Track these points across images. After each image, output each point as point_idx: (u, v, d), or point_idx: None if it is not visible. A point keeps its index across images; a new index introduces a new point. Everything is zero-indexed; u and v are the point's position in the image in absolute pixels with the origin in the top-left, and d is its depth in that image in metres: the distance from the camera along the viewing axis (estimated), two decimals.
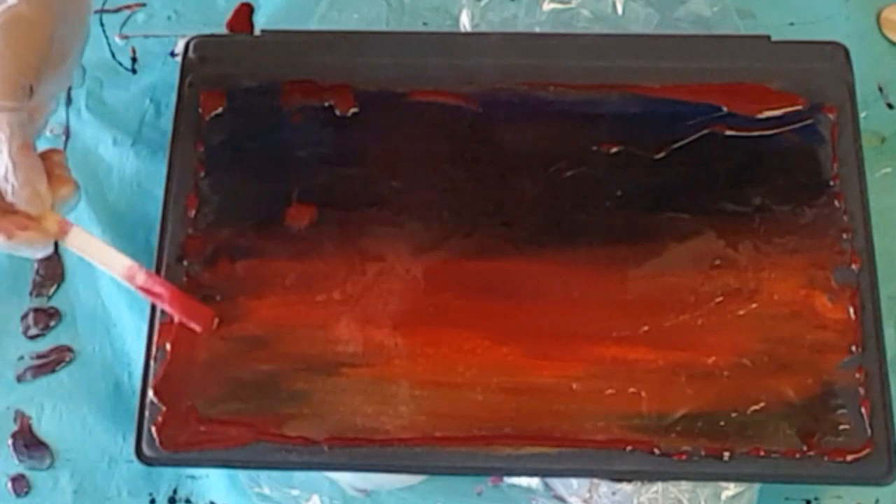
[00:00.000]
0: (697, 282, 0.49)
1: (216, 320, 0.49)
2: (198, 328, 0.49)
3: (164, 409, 0.48)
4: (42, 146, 0.58)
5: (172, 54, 0.60)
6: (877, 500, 0.51)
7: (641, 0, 0.58)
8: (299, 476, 0.51)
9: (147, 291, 0.47)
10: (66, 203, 0.45)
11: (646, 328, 0.49)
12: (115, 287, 0.55)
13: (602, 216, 0.51)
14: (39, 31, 0.43)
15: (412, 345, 0.49)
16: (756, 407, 0.47)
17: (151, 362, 0.49)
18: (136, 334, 0.53)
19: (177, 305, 0.48)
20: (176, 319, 0.49)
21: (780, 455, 0.47)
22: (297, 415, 0.48)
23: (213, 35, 0.56)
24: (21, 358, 0.54)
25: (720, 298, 0.49)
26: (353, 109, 0.53)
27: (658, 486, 0.48)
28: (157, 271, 0.50)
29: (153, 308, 0.50)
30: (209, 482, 0.52)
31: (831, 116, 0.52)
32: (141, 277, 0.46)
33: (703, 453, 0.47)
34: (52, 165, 0.44)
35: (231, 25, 0.60)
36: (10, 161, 0.41)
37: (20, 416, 0.53)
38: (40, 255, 0.44)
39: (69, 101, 0.59)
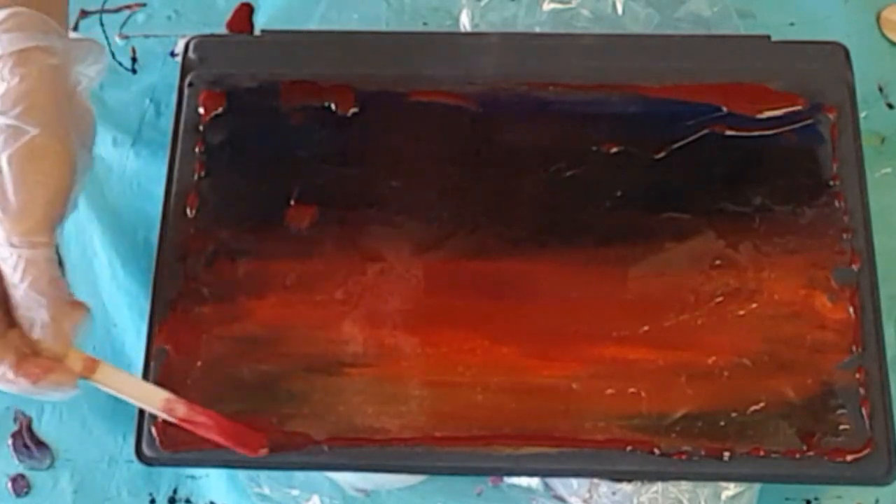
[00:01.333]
0: (697, 282, 0.49)
1: (266, 448, 0.47)
2: (247, 453, 0.46)
3: None
4: None
5: (172, 54, 0.60)
6: (877, 500, 0.51)
7: (641, 0, 0.58)
8: (299, 476, 0.51)
9: (189, 423, 0.44)
10: (80, 327, 0.43)
11: (646, 328, 0.49)
12: (115, 287, 0.55)
13: (602, 216, 0.51)
14: (64, 162, 0.41)
15: (412, 345, 0.49)
16: (756, 407, 0.47)
17: (151, 362, 0.49)
18: (136, 334, 0.53)
19: (223, 434, 0.45)
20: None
21: (780, 455, 0.47)
22: (297, 415, 0.48)
23: (213, 35, 0.56)
24: None
25: (720, 298, 0.49)
26: (353, 109, 0.53)
27: (658, 486, 0.48)
28: (157, 271, 0.50)
29: (153, 308, 0.50)
30: (209, 482, 0.52)
31: (831, 116, 0.52)
32: (181, 410, 0.44)
33: (703, 453, 0.47)
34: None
35: (231, 25, 0.60)
36: (42, 297, 0.40)
37: (20, 416, 0.53)
38: (68, 396, 0.42)
39: None
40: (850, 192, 0.51)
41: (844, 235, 0.50)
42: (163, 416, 0.45)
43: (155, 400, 0.44)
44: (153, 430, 0.48)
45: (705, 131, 0.52)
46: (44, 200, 0.40)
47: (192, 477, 0.52)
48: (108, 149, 0.57)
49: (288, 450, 0.47)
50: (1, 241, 0.40)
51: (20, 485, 0.52)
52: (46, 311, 0.40)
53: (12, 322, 0.41)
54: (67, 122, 0.42)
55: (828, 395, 0.47)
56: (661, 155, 0.52)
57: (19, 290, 0.40)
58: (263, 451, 0.47)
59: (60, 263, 0.55)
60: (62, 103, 0.42)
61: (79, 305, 0.43)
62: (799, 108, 0.52)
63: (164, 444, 0.47)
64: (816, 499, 0.51)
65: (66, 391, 0.42)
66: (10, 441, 0.53)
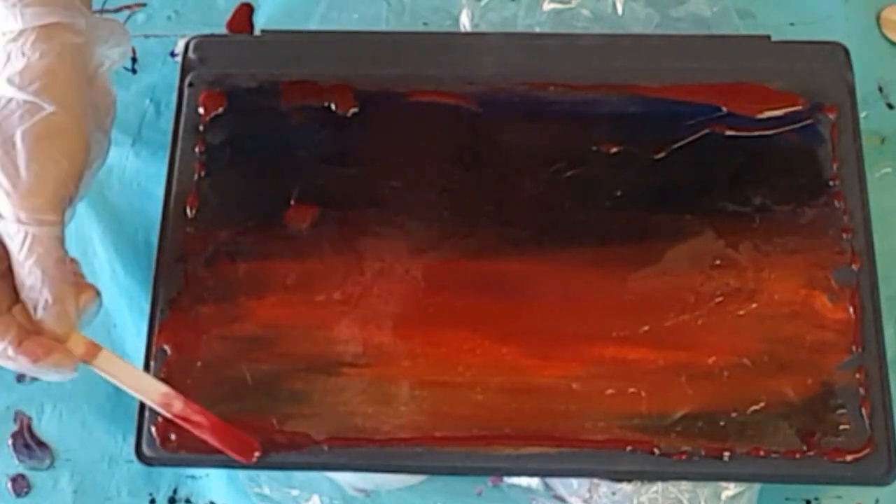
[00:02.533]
0: (697, 282, 0.49)
1: (258, 453, 0.47)
2: (238, 458, 0.46)
3: None
4: None
5: (172, 54, 0.60)
6: (877, 501, 0.51)
7: (641, 0, 0.58)
8: (299, 476, 0.51)
9: (185, 420, 0.44)
10: (89, 311, 0.43)
11: (646, 328, 0.49)
12: (116, 287, 0.55)
13: (602, 216, 0.51)
14: (78, 140, 0.41)
15: (412, 345, 0.49)
16: (756, 407, 0.47)
17: (151, 362, 0.49)
18: (136, 334, 0.53)
19: (217, 436, 0.45)
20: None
21: (780, 455, 0.47)
22: (297, 415, 0.48)
23: (213, 35, 0.56)
24: None
25: (720, 298, 0.49)
26: (353, 109, 0.53)
27: (658, 486, 0.48)
28: (157, 271, 0.50)
29: (153, 308, 0.50)
30: (209, 482, 0.52)
31: (831, 116, 0.52)
32: (178, 406, 0.44)
33: (703, 453, 0.47)
34: (74, 273, 0.43)
35: (231, 25, 0.60)
36: (46, 276, 0.40)
37: (20, 416, 0.53)
38: (66, 377, 0.42)
39: None
40: (850, 192, 0.51)
41: (844, 235, 0.50)
42: (159, 410, 0.44)
43: (153, 393, 0.44)
44: (153, 430, 0.48)
45: (705, 131, 0.52)
46: (55, 178, 0.40)
47: (192, 477, 0.52)
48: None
49: (288, 450, 0.47)
50: (9, 217, 0.40)
51: (20, 485, 0.52)
52: (50, 291, 0.40)
53: (17, 300, 0.41)
54: (85, 102, 0.42)
55: (828, 395, 0.47)
56: (661, 155, 0.52)
57: (24, 268, 0.40)
58: (255, 456, 0.47)
59: None
60: (81, 83, 0.42)
61: (87, 288, 0.43)
62: (799, 108, 0.52)
63: (164, 444, 0.47)
64: (816, 499, 0.51)
65: (64, 373, 0.42)
66: (10, 441, 0.53)
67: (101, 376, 0.53)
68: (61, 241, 0.41)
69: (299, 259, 0.50)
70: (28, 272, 0.40)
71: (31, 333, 0.41)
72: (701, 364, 0.48)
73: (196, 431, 0.45)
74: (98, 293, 0.44)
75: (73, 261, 0.43)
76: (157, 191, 0.52)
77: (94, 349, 0.43)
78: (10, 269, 0.41)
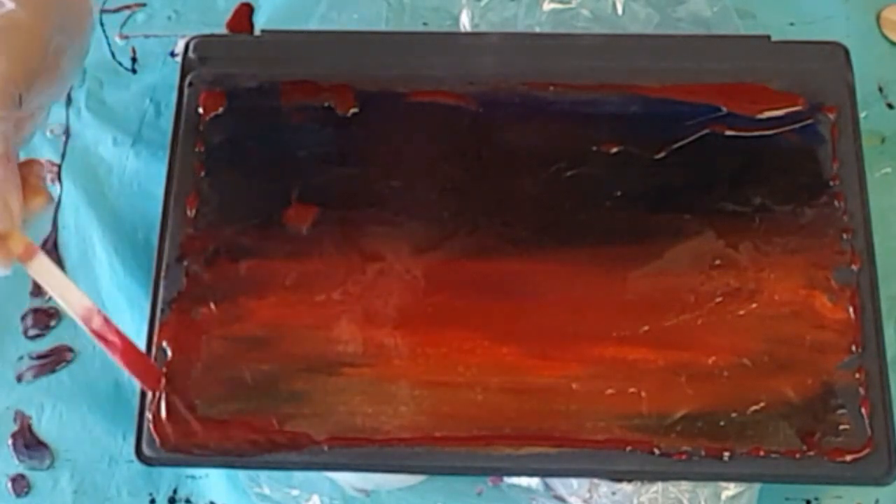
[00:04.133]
0: (697, 282, 0.49)
1: (163, 381, 0.48)
2: (142, 384, 0.47)
3: (164, 408, 0.48)
4: (42, 147, 0.58)
5: (172, 54, 0.60)
6: (877, 501, 0.51)
7: (641, 0, 0.58)
8: (299, 476, 0.51)
9: (100, 337, 0.45)
10: (36, 214, 0.43)
11: (646, 328, 0.49)
12: (115, 287, 0.55)
13: (602, 216, 0.51)
14: (34, 40, 0.41)
15: (412, 345, 0.49)
16: (756, 407, 0.47)
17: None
18: (136, 334, 0.53)
19: (126, 358, 0.46)
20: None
21: (780, 455, 0.47)
22: (297, 415, 0.48)
23: (213, 35, 0.56)
24: (21, 358, 0.54)
25: (720, 298, 0.49)
26: (353, 109, 0.53)
27: (658, 486, 0.48)
28: (157, 271, 0.50)
29: (153, 308, 0.50)
30: (209, 482, 0.52)
31: (831, 116, 0.52)
32: (97, 322, 0.45)
33: (703, 453, 0.47)
34: (28, 174, 0.43)
35: (231, 25, 0.60)
36: None
37: (20, 416, 0.53)
38: (1, 273, 0.42)
39: (69, 101, 0.59)
40: (850, 192, 0.51)
41: (844, 235, 0.50)
42: (79, 322, 0.44)
43: (77, 305, 0.44)
44: (153, 430, 0.48)
45: (705, 131, 0.52)
46: (4, 72, 0.40)
47: (192, 477, 0.52)
48: (108, 149, 0.57)
49: (288, 450, 0.47)
50: None
51: (20, 485, 0.52)
52: None
53: None
54: (49, 3, 0.42)
55: (828, 395, 0.47)
56: (661, 155, 0.52)
57: None
58: (161, 384, 0.47)
59: (61, 264, 0.56)
60: None
61: (40, 192, 0.43)
62: (799, 108, 0.52)
63: (164, 445, 0.47)
64: (816, 499, 0.51)
65: None
66: (10, 441, 0.53)
67: (99, 375, 0.54)
68: (6, 137, 0.40)
69: (299, 259, 0.50)
70: None
71: None
72: (701, 364, 0.48)
73: (108, 350, 0.45)
74: (51, 199, 0.44)
75: (37, 163, 0.43)
76: (157, 191, 0.52)
77: (31, 251, 0.43)
78: None
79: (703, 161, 0.52)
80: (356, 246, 0.51)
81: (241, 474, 0.51)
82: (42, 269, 0.43)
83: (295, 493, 0.51)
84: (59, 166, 0.57)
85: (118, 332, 0.45)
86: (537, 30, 0.57)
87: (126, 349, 0.45)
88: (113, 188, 0.57)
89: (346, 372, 0.48)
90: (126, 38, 0.60)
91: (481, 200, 0.51)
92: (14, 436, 0.53)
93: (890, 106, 0.58)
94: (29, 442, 0.53)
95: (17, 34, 0.41)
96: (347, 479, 0.51)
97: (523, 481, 0.51)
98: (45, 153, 0.58)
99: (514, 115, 0.53)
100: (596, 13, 0.57)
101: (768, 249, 0.50)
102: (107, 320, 0.45)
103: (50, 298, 0.55)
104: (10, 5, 0.41)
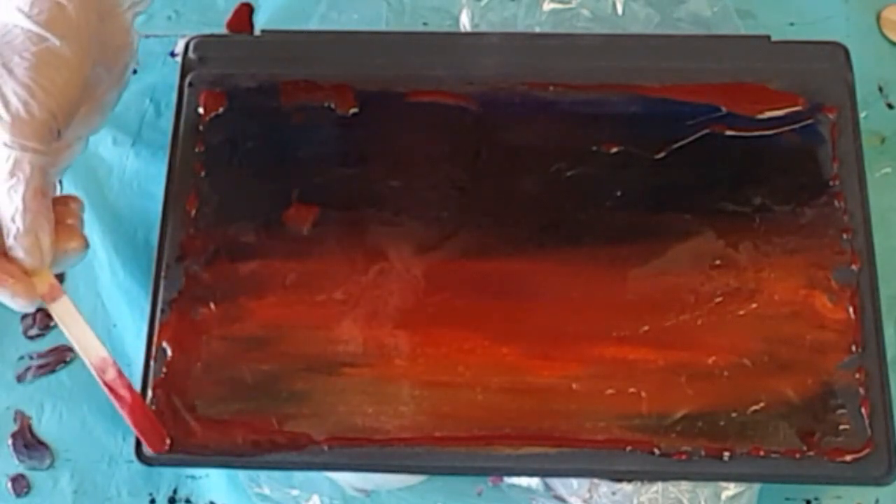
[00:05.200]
0: (697, 282, 0.49)
1: (168, 442, 0.47)
2: (146, 444, 0.47)
3: (164, 408, 0.48)
4: None
5: (172, 54, 0.60)
6: (877, 500, 0.51)
7: (641, 0, 0.58)
8: (299, 476, 0.51)
9: (111, 390, 0.44)
10: (70, 259, 0.43)
11: (646, 328, 0.49)
12: (116, 287, 0.55)
13: (602, 216, 0.51)
14: (75, 74, 0.41)
15: (412, 345, 0.49)
16: (756, 407, 0.47)
17: (151, 362, 0.49)
18: (136, 334, 0.53)
19: (134, 416, 0.45)
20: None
21: (780, 455, 0.47)
22: (297, 415, 0.48)
23: (213, 35, 0.56)
24: (21, 358, 0.54)
25: (720, 298, 0.49)
26: (353, 109, 0.53)
27: (658, 486, 0.48)
28: (157, 271, 0.50)
29: (153, 308, 0.50)
30: (209, 482, 0.52)
31: (831, 116, 0.52)
32: (111, 374, 0.44)
33: (703, 453, 0.47)
34: (66, 213, 0.43)
35: (231, 25, 0.60)
36: (22, 204, 0.40)
37: (20, 416, 0.53)
38: (20, 310, 0.42)
39: None
40: (850, 192, 0.51)
41: (844, 235, 0.50)
42: (93, 372, 0.44)
43: (93, 354, 0.44)
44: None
45: (705, 131, 0.52)
46: (44, 106, 0.40)
47: (192, 477, 0.52)
48: (108, 149, 0.57)
49: (288, 450, 0.47)
50: None
51: (20, 485, 0.52)
52: (22, 221, 0.40)
53: None
54: (91, 38, 0.42)
55: (828, 395, 0.47)
56: (662, 155, 0.52)
57: (3, 192, 0.40)
58: (166, 446, 0.47)
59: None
60: (91, 18, 0.42)
61: (76, 236, 0.43)
62: (799, 108, 0.52)
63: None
64: (816, 499, 0.51)
65: (21, 305, 0.42)
66: (10, 441, 0.53)
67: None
68: (44, 171, 0.41)
69: (299, 259, 0.50)
70: (6, 197, 0.40)
71: (1, 257, 0.41)
72: (701, 364, 0.48)
73: (117, 405, 0.45)
74: (86, 245, 0.44)
75: (74, 199, 0.44)
76: (157, 191, 0.52)
77: (56, 292, 0.43)
78: None
79: (704, 161, 0.52)
80: (356, 246, 0.51)
81: (241, 474, 0.51)
82: (64, 312, 0.43)
83: (295, 493, 0.51)
84: None
85: (130, 388, 0.45)
86: (537, 30, 0.57)
87: (135, 406, 0.45)
88: (113, 188, 0.57)
89: (347, 372, 0.48)
90: None
91: (481, 200, 0.51)
92: (14, 436, 0.53)
93: (890, 106, 0.58)
94: (29, 442, 0.53)
95: (58, 69, 0.41)
96: (347, 479, 0.51)
97: (523, 481, 0.51)
98: None
99: (514, 115, 0.53)
100: (596, 13, 0.57)
101: (768, 249, 0.50)
102: (120, 374, 0.44)
103: None
104: (54, 41, 0.41)
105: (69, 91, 0.41)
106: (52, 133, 0.41)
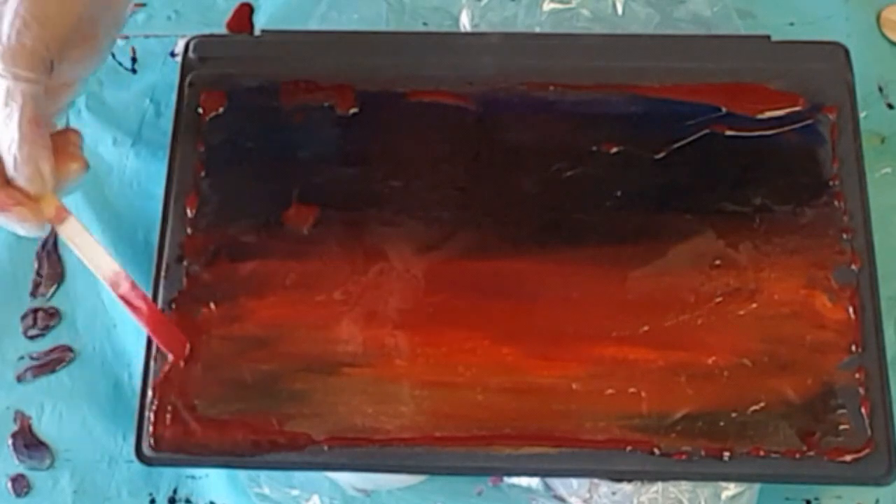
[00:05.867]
0: (697, 282, 0.49)
1: (188, 347, 0.48)
2: (169, 353, 0.48)
3: (164, 408, 0.48)
4: None
5: (172, 54, 0.60)
6: (877, 500, 0.51)
7: (641, 0, 0.58)
8: (299, 476, 0.51)
9: (127, 302, 0.46)
10: (72, 181, 0.44)
11: (646, 328, 0.49)
12: None
13: (602, 216, 0.51)
14: (67, 5, 0.42)
15: (412, 345, 0.49)
16: (756, 407, 0.47)
17: (151, 362, 0.49)
18: (136, 334, 0.53)
19: (152, 324, 0.47)
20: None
21: (780, 455, 0.47)
22: (297, 415, 0.48)
23: (213, 35, 0.56)
24: (21, 358, 0.54)
25: (720, 298, 0.49)
26: (353, 109, 0.53)
27: (658, 486, 0.48)
28: (157, 271, 0.50)
29: None
30: (209, 482, 0.52)
31: (831, 116, 0.52)
32: (124, 286, 0.45)
33: (703, 453, 0.47)
34: (65, 143, 0.43)
35: (231, 25, 0.60)
36: (18, 133, 0.40)
37: (20, 416, 0.53)
38: (32, 234, 0.43)
39: None
40: (850, 192, 0.51)
41: (844, 235, 0.50)
42: (107, 287, 0.45)
43: (106, 269, 0.45)
44: (153, 430, 0.48)
45: (705, 131, 0.52)
46: (37, 37, 0.40)
47: (192, 477, 0.52)
48: (108, 149, 0.57)
49: (288, 450, 0.47)
50: None
51: (20, 485, 0.52)
52: (20, 150, 0.40)
53: None
54: None
55: (828, 395, 0.47)
56: (662, 155, 0.52)
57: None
58: (184, 355, 0.48)
59: (61, 264, 0.56)
60: None
61: (76, 159, 0.44)
62: (799, 108, 0.52)
63: (164, 445, 0.47)
64: (816, 499, 0.51)
65: (30, 229, 0.42)
66: (10, 441, 0.53)
67: (99, 375, 0.54)
68: (37, 100, 0.41)
69: (299, 259, 0.50)
70: (2, 126, 0.40)
71: (5, 185, 0.41)
72: (701, 364, 0.48)
73: (134, 316, 0.46)
74: (87, 166, 0.44)
75: (73, 131, 0.44)
76: (157, 191, 0.52)
77: (62, 214, 0.44)
78: None
79: (704, 161, 0.52)
80: (356, 246, 0.51)
81: (241, 474, 0.51)
82: (73, 232, 0.44)
83: (295, 493, 0.51)
84: None
85: (145, 298, 0.46)
86: (537, 30, 0.57)
87: (152, 315, 0.47)
88: (113, 188, 0.57)
89: (347, 372, 0.48)
90: (126, 38, 0.60)
91: (481, 200, 0.51)
92: (14, 436, 0.53)
93: (890, 106, 0.58)
94: (29, 442, 0.53)
95: (51, 1, 0.41)
96: (347, 479, 0.51)
97: (523, 481, 0.51)
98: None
99: (514, 115, 0.53)
100: (596, 13, 0.57)
101: (768, 249, 0.50)
102: (134, 285, 0.46)
103: (50, 298, 0.55)
104: None
105: (63, 22, 0.41)
106: (45, 64, 0.41)
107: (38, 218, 0.42)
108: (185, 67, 0.54)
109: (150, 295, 0.48)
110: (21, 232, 0.43)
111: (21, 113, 0.40)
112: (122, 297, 0.46)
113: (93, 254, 0.45)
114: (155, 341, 0.48)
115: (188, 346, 0.48)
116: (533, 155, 0.52)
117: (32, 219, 0.42)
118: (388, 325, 0.49)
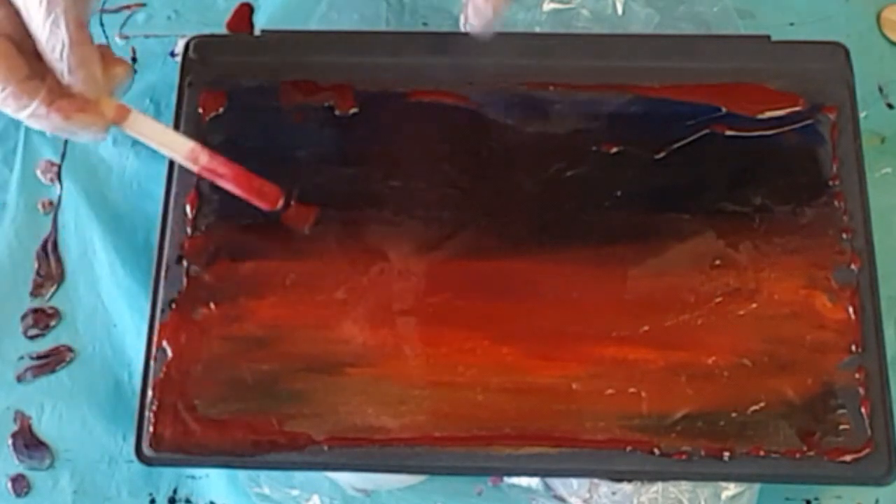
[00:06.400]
0: (697, 282, 0.49)
1: (282, 200, 0.48)
2: (264, 206, 0.48)
3: (164, 409, 0.48)
4: (42, 147, 0.58)
5: (172, 54, 0.60)
6: (877, 500, 0.51)
7: (641, 0, 0.58)
8: (299, 476, 0.51)
9: (211, 172, 0.46)
10: (119, 84, 0.44)
11: (646, 328, 0.49)
12: (115, 287, 0.55)
13: (602, 216, 0.51)
14: None
15: (412, 345, 0.49)
16: (756, 407, 0.47)
17: (151, 362, 0.49)
18: (136, 334, 0.53)
19: (241, 184, 0.47)
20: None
21: (780, 455, 0.47)
22: (297, 415, 0.48)
23: (213, 35, 0.56)
24: (21, 358, 0.54)
25: (720, 298, 0.49)
26: (353, 109, 0.53)
27: (658, 486, 0.48)
28: (157, 271, 0.50)
29: (153, 308, 0.50)
30: (209, 482, 0.52)
31: (831, 116, 0.52)
32: (204, 158, 0.46)
33: (703, 453, 0.47)
34: (103, 50, 0.43)
35: (231, 25, 0.60)
36: (68, 37, 0.40)
37: (20, 416, 0.53)
38: (98, 139, 0.44)
39: None
40: (850, 192, 0.51)
41: (844, 235, 0.50)
42: (187, 164, 0.46)
43: (181, 148, 0.46)
44: (153, 430, 0.48)
45: (705, 131, 0.52)
46: None
47: (192, 477, 0.52)
48: (108, 149, 0.57)
49: (288, 450, 0.47)
50: None
51: (20, 485, 0.52)
52: (72, 55, 0.40)
53: (47, 68, 0.41)
54: None
55: (828, 395, 0.47)
56: (661, 155, 0.52)
57: (45, 30, 0.40)
58: (280, 203, 0.48)
59: (61, 264, 0.56)
60: None
61: (120, 62, 0.44)
62: (799, 108, 0.52)
63: (164, 444, 0.47)
64: (816, 499, 0.51)
65: (96, 133, 0.43)
66: (10, 441, 0.53)
67: (99, 375, 0.54)
68: (77, 3, 0.40)
69: (299, 259, 0.50)
70: (50, 34, 0.40)
71: (64, 95, 0.42)
72: (701, 364, 0.48)
73: (221, 183, 0.47)
74: (131, 69, 0.45)
75: (103, 45, 0.44)
76: (157, 191, 0.52)
77: (124, 111, 0.44)
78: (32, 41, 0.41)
79: (703, 161, 0.52)
80: (356, 246, 0.51)
81: (241, 474, 0.51)
82: (139, 124, 0.45)
83: (295, 493, 0.51)
84: (59, 166, 0.57)
85: (228, 163, 0.46)
86: (537, 30, 0.57)
87: (238, 176, 0.47)
88: (113, 188, 0.57)
89: (347, 372, 0.48)
90: (126, 38, 0.60)
91: (481, 200, 0.51)
92: (14, 436, 0.53)
93: (890, 106, 0.58)
94: (29, 442, 0.53)
95: None
96: (347, 479, 0.51)
97: (523, 481, 0.51)
98: (46, 153, 0.58)
99: (514, 115, 0.53)
100: (596, 13, 0.57)
101: (768, 249, 0.50)
102: (213, 155, 0.46)
103: (50, 298, 0.55)
104: None
105: None
106: None
107: (103, 120, 0.43)
108: (185, 67, 0.54)
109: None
110: (86, 138, 0.43)
111: (66, 16, 0.40)
112: (206, 169, 0.46)
113: (165, 138, 0.46)
114: (247, 199, 0.47)
115: (282, 196, 0.48)
116: (533, 155, 0.52)
117: (98, 121, 0.42)
118: (388, 324, 0.49)
